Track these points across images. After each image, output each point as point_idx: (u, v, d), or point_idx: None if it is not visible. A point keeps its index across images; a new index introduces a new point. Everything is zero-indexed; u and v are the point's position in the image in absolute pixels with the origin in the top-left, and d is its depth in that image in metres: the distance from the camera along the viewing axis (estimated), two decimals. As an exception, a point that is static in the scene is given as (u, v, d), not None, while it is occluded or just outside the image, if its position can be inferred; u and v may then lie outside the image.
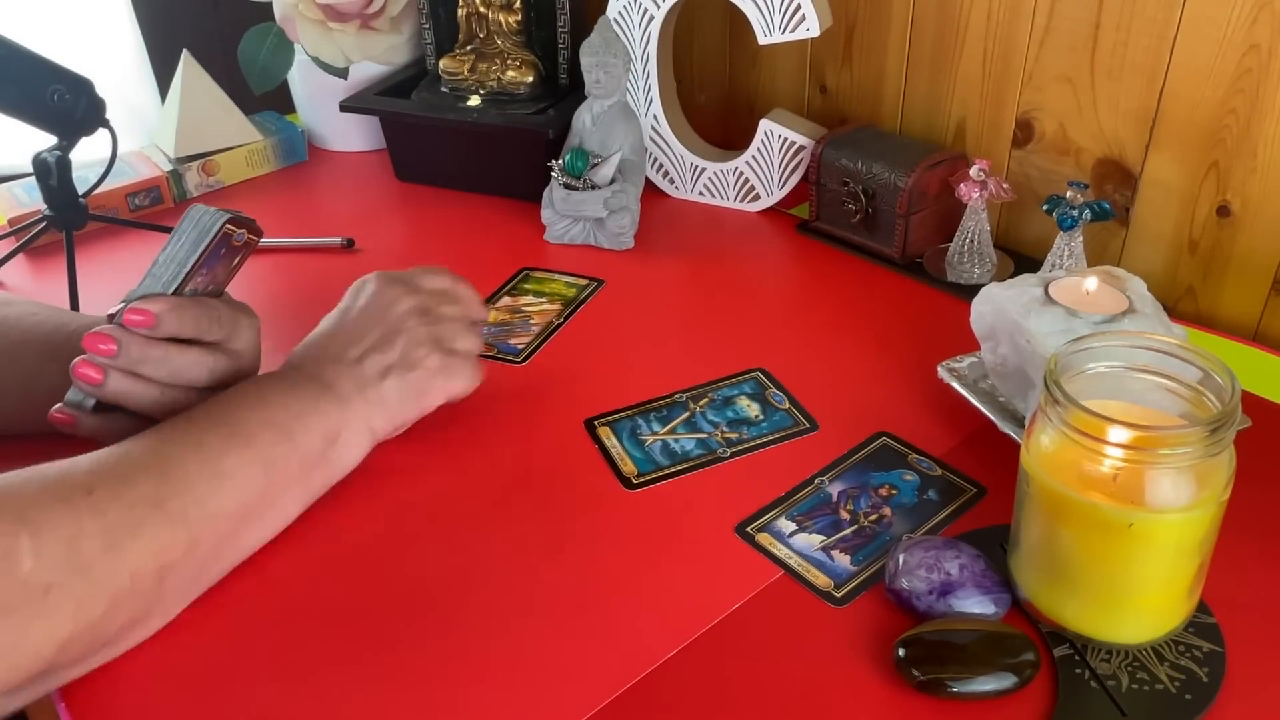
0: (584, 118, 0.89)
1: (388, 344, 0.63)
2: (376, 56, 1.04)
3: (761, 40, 0.87)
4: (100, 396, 0.58)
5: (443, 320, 0.66)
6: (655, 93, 0.95)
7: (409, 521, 0.61)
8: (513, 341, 0.77)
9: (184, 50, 1.01)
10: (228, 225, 0.58)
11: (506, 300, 0.83)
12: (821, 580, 0.56)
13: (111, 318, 0.59)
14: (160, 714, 0.50)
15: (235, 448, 0.54)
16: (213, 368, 0.60)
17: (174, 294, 0.58)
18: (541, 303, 0.82)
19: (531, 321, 0.79)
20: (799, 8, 0.84)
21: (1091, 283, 0.61)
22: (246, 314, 0.63)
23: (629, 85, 0.94)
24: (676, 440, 0.67)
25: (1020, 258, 0.85)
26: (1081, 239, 0.74)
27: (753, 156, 0.93)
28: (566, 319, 0.80)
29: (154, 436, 0.53)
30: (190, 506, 0.51)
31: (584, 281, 0.84)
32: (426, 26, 1.03)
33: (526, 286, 0.85)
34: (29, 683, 0.45)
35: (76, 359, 0.57)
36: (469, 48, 1.01)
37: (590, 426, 0.68)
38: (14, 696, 0.45)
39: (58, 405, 0.60)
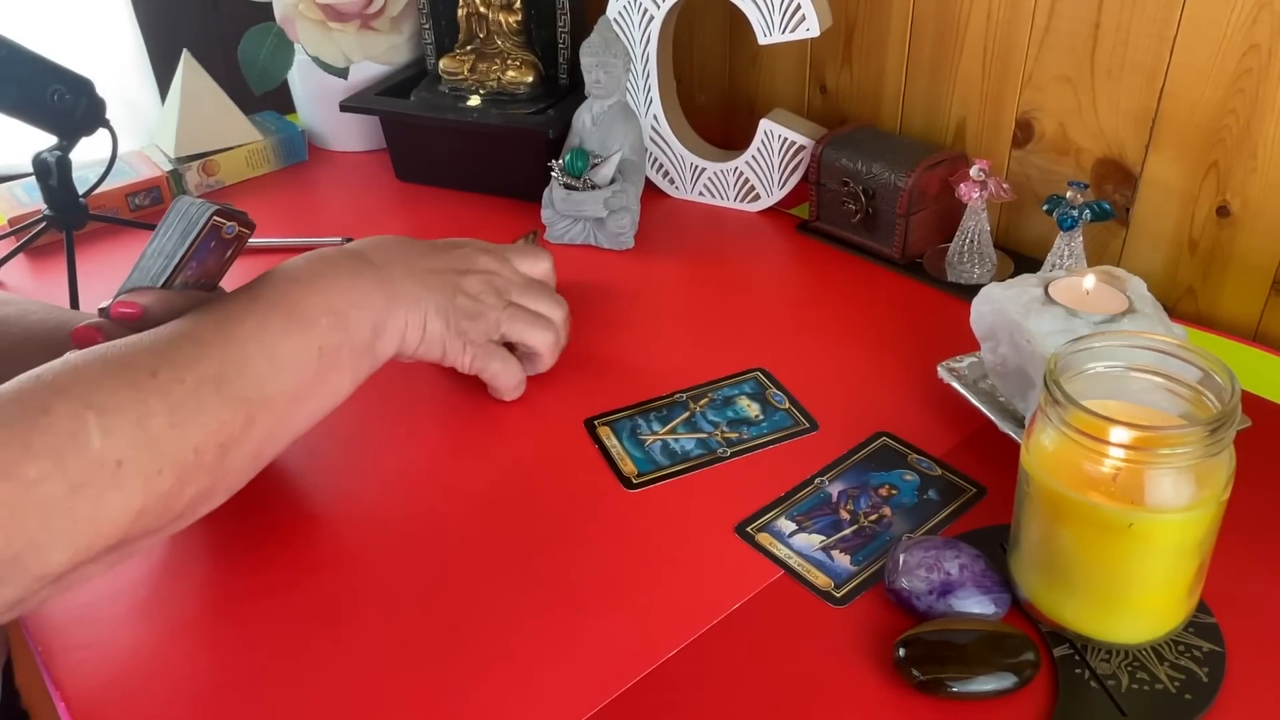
0: (584, 118, 0.89)
1: (456, 288, 0.65)
2: (376, 56, 1.04)
3: (761, 40, 0.87)
4: None
5: (510, 307, 0.68)
6: (655, 93, 0.95)
7: (408, 522, 0.61)
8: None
9: (184, 50, 1.01)
10: (216, 217, 0.58)
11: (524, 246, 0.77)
12: (821, 580, 0.56)
13: (103, 312, 0.59)
14: (162, 714, 0.50)
15: (294, 332, 0.55)
16: None
17: (163, 286, 0.58)
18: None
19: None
20: (799, 8, 0.84)
21: (1090, 282, 0.61)
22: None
23: (629, 85, 0.94)
24: (676, 440, 0.67)
25: (1020, 258, 0.85)
26: (1081, 239, 0.74)
27: (753, 156, 0.93)
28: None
29: (219, 313, 0.54)
30: (249, 389, 0.52)
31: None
32: (426, 26, 1.03)
33: None
34: (109, 551, 0.47)
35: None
36: (469, 48, 1.01)
37: (590, 426, 0.68)
38: (99, 563, 0.47)
39: None
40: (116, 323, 0.56)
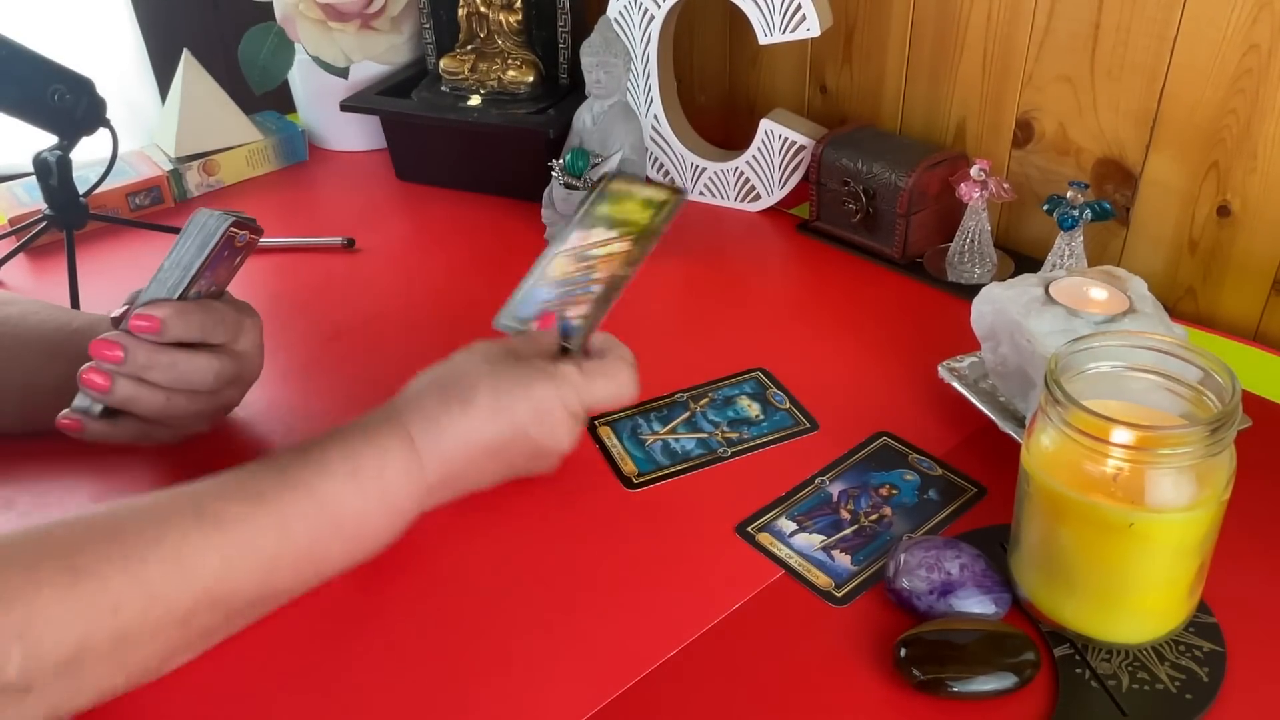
0: (584, 117, 0.89)
1: (514, 474, 0.60)
2: (377, 56, 1.04)
3: (762, 40, 0.87)
4: (107, 403, 0.59)
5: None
6: (655, 93, 0.95)
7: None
8: (569, 314, 0.63)
9: (184, 50, 1.01)
10: (231, 228, 0.58)
11: (575, 237, 0.67)
12: (822, 580, 0.56)
13: (116, 321, 0.59)
14: (161, 713, 0.50)
15: (306, 562, 0.52)
16: (219, 371, 0.60)
17: (179, 298, 0.58)
18: (611, 239, 0.65)
19: (594, 276, 0.64)
20: (799, 8, 0.84)
21: (1101, 294, 0.61)
22: (249, 314, 0.63)
23: (629, 85, 0.94)
24: (677, 440, 0.67)
25: (1020, 258, 0.85)
26: (1082, 239, 0.75)
27: (753, 156, 0.93)
28: (635, 266, 0.64)
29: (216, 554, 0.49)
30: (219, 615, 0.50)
31: (660, 196, 0.66)
32: (427, 26, 1.03)
33: (602, 209, 0.68)
34: None
35: (84, 366, 0.58)
36: (469, 47, 1.01)
37: (591, 426, 0.68)
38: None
39: (65, 411, 0.60)
40: (135, 335, 0.57)
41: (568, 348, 0.62)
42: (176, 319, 0.57)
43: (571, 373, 0.59)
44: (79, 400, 0.59)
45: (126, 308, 0.59)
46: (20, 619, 0.42)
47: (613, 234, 0.63)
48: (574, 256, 0.63)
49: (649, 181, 0.65)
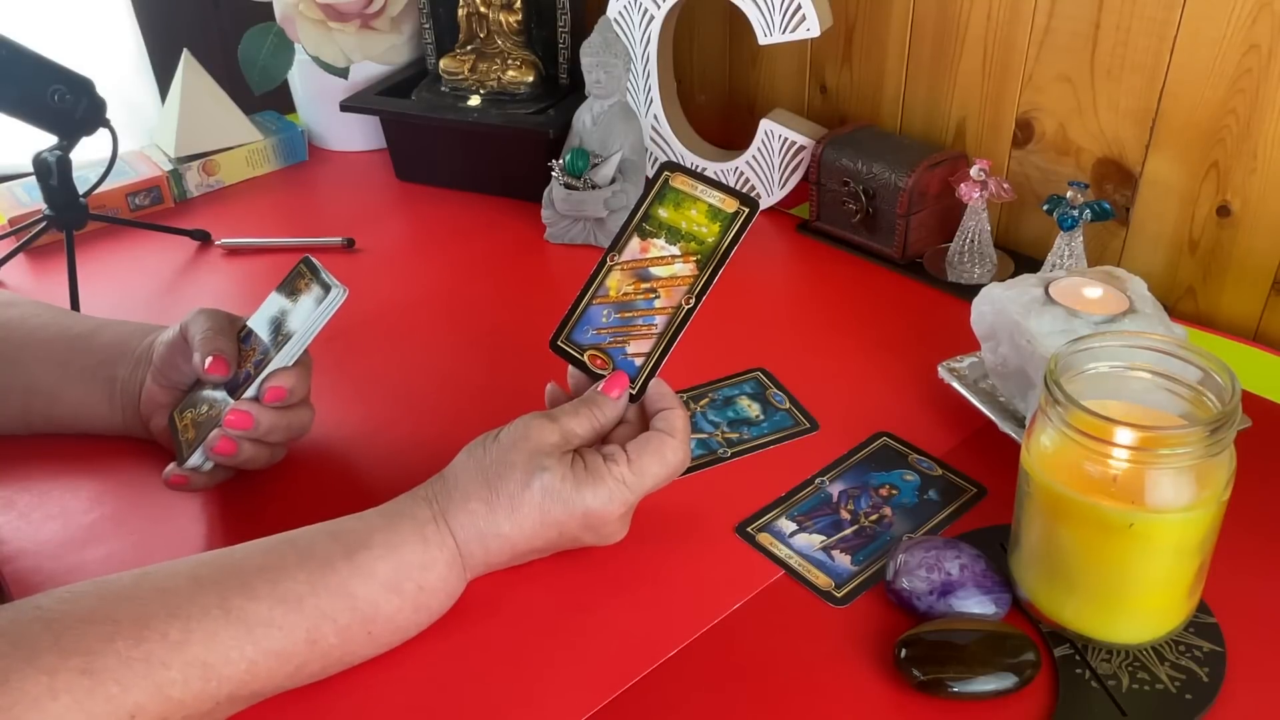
0: (584, 118, 0.89)
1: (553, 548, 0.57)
2: (377, 56, 1.04)
3: (762, 40, 0.87)
4: (230, 464, 0.61)
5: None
6: (655, 93, 0.95)
7: (410, 521, 0.61)
8: (630, 352, 0.57)
9: (184, 50, 1.01)
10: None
11: (634, 246, 0.59)
12: (822, 580, 0.56)
13: (227, 388, 0.61)
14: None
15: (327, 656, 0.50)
16: (310, 417, 0.63)
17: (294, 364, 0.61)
18: (673, 257, 0.58)
19: (656, 304, 0.57)
20: (799, 8, 0.84)
21: (1097, 293, 0.61)
22: (307, 354, 0.63)
23: (629, 85, 0.94)
24: (677, 440, 0.66)
25: (1020, 258, 0.85)
26: (1082, 239, 0.75)
27: (753, 156, 0.93)
28: (700, 297, 0.57)
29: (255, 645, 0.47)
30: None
31: (730, 209, 0.58)
32: (427, 26, 1.03)
33: (662, 214, 0.59)
34: None
35: (215, 433, 0.59)
36: (469, 47, 1.01)
37: (591, 426, 0.68)
38: None
39: (173, 468, 0.61)
40: (264, 404, 0.59)
41: (631, 394, 0.57)
42: (299, 385, 0.60)
43: (622, 474, 0.54)
44: (194, 459, 0.60)
45: (249, 374, 0.60)
46: None
47: (675, 250, 0.57)
48: (633, 273, 0.58)
49: (714, 183, 0.57)
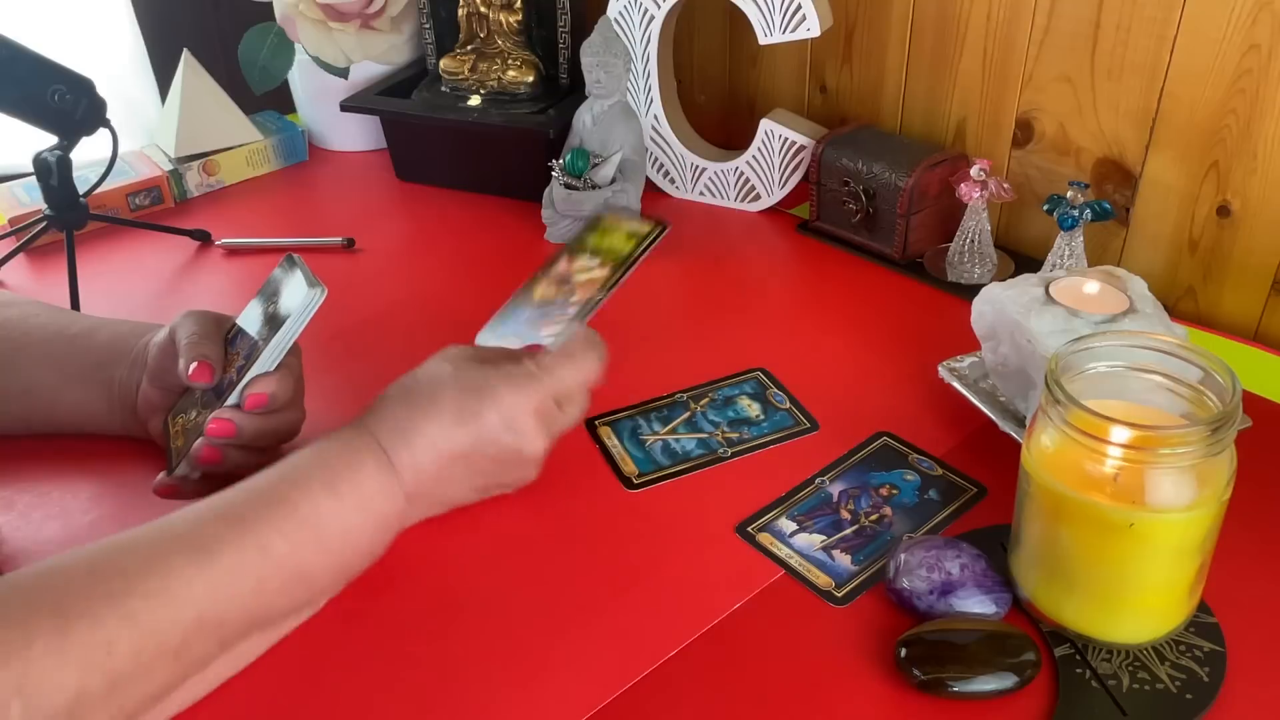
0: (584, 118, 0.89)
1: (503, 483, 0.61)
2: (377, 56, 1.04)
3: (762, 40, 0.87)
4: (217, 472, 0.60)
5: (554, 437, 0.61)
6: (655, 93, 0.95)
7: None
8: (543, 332, 0.63)
9: (184, 50, 1.00)
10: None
11: (562, 263, 0.67)
12: (822, 580, 0.56)
13: (204, 396, 0.60)
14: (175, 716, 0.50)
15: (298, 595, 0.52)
16: (300, 419, 0.63)
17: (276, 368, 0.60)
18: (593, 266, 0.66)
19: (571, 300, 0.65)
20: (799, 8, 0.84)
21: (1094, 287, 0.61)
22: (295, 355, 0.63)
23: (629, 85, 0.94)
24: (677, 440, 0.67)
25: (1020, 258, 0.85)
26: (1082, 239, 0.75)
27: (753, 156, 0.93)
28: (609, 290, 0.65)
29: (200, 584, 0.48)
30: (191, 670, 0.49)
31: (645, 229, 0.68)
32: (427, 26, 1.03)
33: (591, 240, 0.69)
34: None
35: (199, 443, 0.58)
36: (469, 47, 1.01)
37: (591, 426, 0.68)
38: None
39: (162, 479, 0.60)
40: (246, 411, 0.58)
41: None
42: (281, 390, 0.59)
43: (532, 370, 0.59)
44: (182, 468, 0.60)
45: (232, 380, 0.59)
46: (17, 674, 0.42)
47: (594, 261, 0.65)
48: (557, 281, 0.65)
49: (639, 216, 0.68)
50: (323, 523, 0.52)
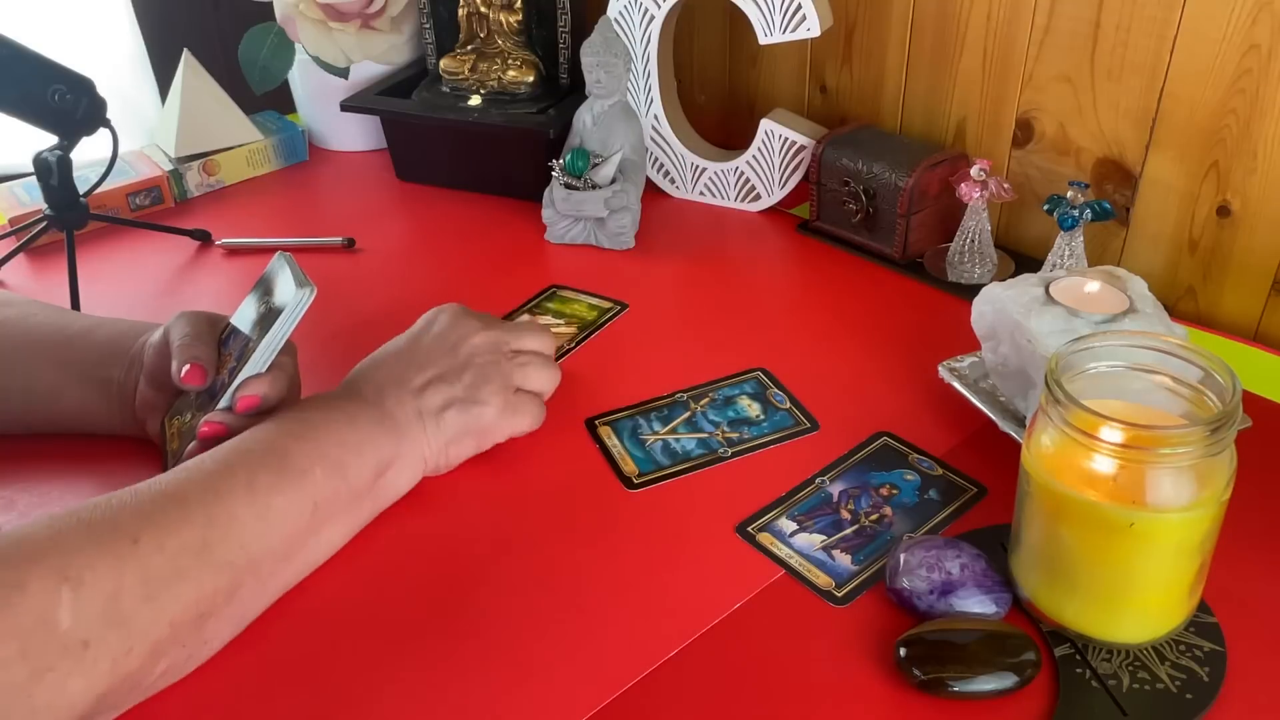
0: (584, 117, 0.89)
1: (455, 377, 0.62)
2: (377, 56, 1.04)
3: (762, 40, 0.87)
4: None
5: (515, 357, 0.65)
6: (656, 92, 0.95)
7: (407, 522, 0.61)
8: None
9: (184, 50, 1.01)
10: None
11: (525, 318, 0.78)
12: (822, 580, 0.56)
13: (217, 379, 0.60)
14: (158, 710, 0.50)
15: (287, 485, 0.53)
16: None
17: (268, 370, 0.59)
18: (559, 324, 0.79)
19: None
20: (799, 7, 0.84)
21: (1094, 286, 0.61)
22: (292, 353, 0.63)
23: (629, 85, 0.94)
24: (677, 440, 0.67)
25: (1020, 258, 0.85)
26: (1082, 239, 0.75)
27: (753, 156, 0.93)
28: (578, 344, 0.76)
29: (207, 469, 0.52)
30: (234, 553, 0.50)
31: (606, 305, 0.81)
32: (427, 26, 1.03)
33: (550, 305, 0.81)
34: None
35: (192, 446, 0.58)
36: (469, 47, 1.01)
37: (591, 426, 0.68)
38: None
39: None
40: (238, 413, 0.58)
41: None
42: (272, 392, 0.59)
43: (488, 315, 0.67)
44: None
45: (224, 381, 0.59)
46: (58, 564, 0.44)
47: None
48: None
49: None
50: (321, 436, 0.56)
